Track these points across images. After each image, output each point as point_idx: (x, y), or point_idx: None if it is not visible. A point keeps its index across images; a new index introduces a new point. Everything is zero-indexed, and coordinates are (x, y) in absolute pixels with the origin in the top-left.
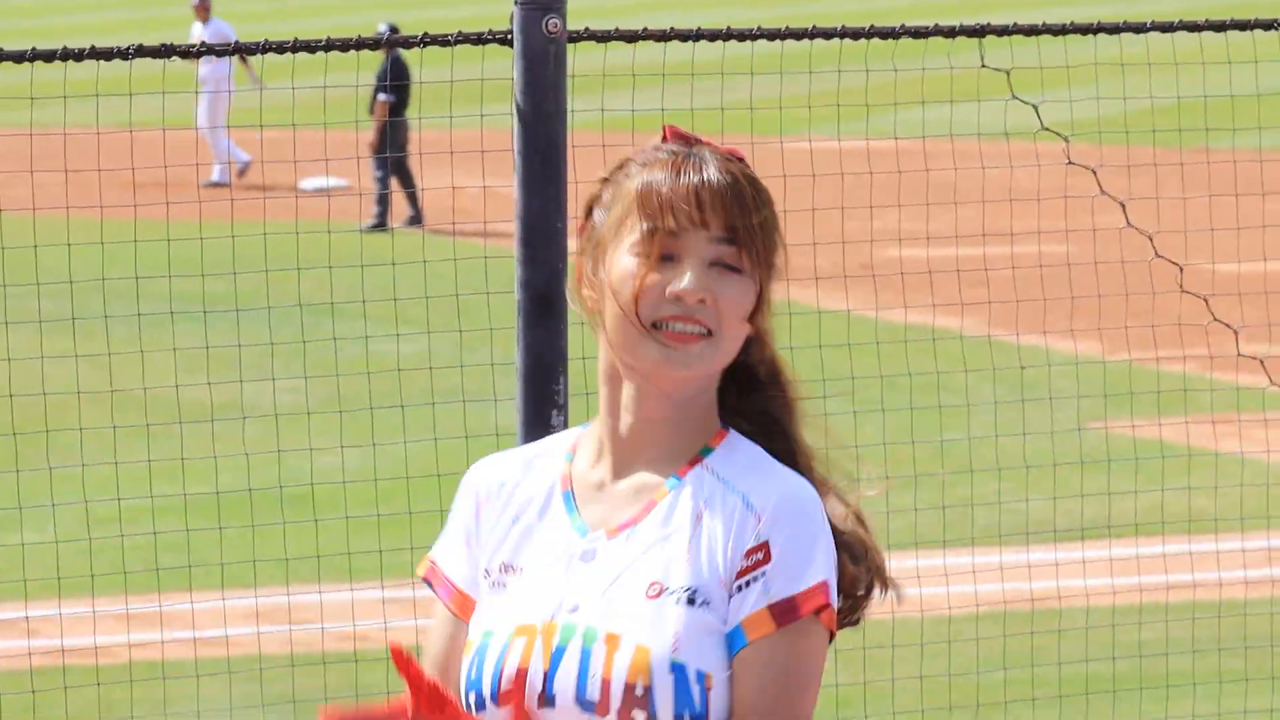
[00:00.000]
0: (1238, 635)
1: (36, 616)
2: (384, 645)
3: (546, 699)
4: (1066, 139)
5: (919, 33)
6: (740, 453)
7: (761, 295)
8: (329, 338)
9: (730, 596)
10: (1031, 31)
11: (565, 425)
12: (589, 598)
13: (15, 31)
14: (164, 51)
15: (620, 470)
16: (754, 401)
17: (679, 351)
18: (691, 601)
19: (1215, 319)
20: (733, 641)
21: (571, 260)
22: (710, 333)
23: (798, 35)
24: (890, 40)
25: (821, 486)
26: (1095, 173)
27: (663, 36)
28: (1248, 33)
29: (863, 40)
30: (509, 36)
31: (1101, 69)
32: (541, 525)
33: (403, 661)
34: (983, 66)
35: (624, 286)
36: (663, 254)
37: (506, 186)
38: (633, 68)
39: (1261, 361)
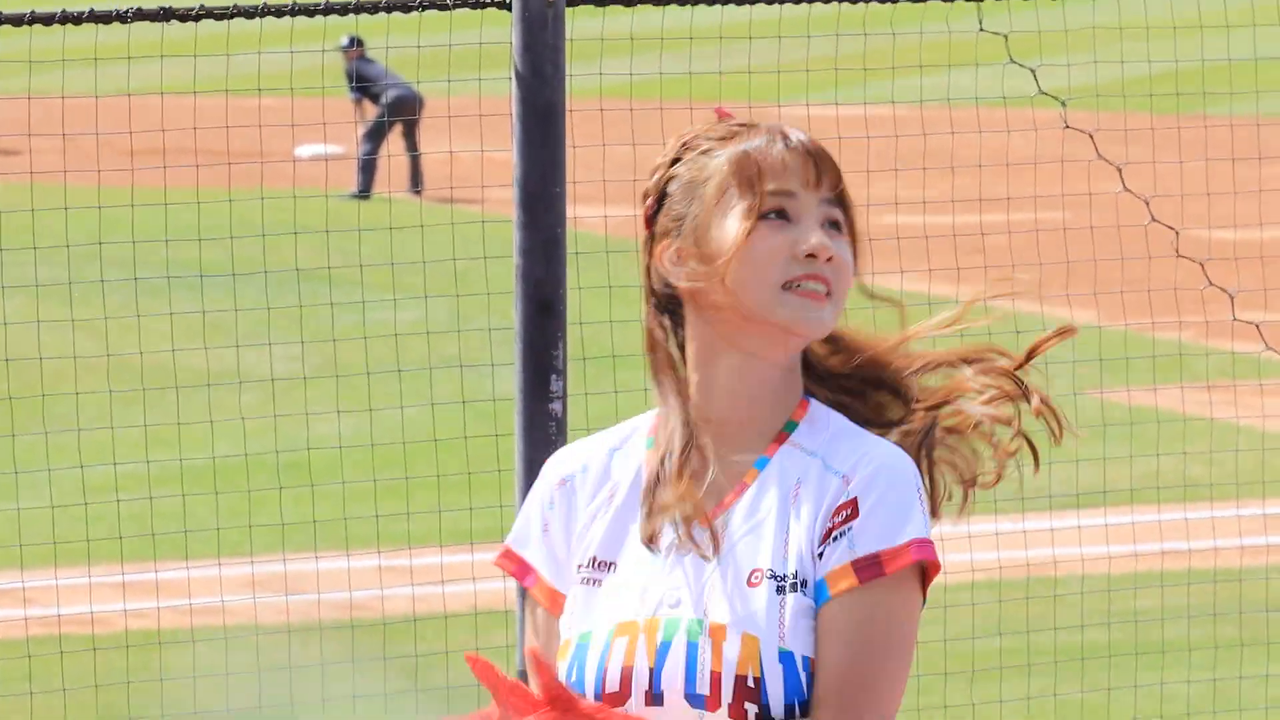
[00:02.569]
0: (1233, 602)
1: (33, 586)
2: (380, 614)
3: (654, 697)
4: (1064, 103)
5: None
6: (824, 423)
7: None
8: (326, 304)
9: (816, 559)
10: None
11: (564, 390)
12: (689, 589)
13: None
14: (162, 15)
15: (712, 452)
16: (832, 369)
17: (814, 309)
18: (794, 587)
19: (1211, 284)
20: (816, 597)
21: (639, 251)
22: (829, 293)
23: None
24: (888, 5)
25: (906, 441)
26: (1092, 137)
27: (661, 0)
28: None
29: (861, 5)
30: (507, 1)
31: (1099, 33)
32: (633, 517)
33: (482, 669)
34: (980, 30)
35: (753, 252)
36: (777, 211)
37: (505, 152)
38: (631, 33)
39: (1258, 327)
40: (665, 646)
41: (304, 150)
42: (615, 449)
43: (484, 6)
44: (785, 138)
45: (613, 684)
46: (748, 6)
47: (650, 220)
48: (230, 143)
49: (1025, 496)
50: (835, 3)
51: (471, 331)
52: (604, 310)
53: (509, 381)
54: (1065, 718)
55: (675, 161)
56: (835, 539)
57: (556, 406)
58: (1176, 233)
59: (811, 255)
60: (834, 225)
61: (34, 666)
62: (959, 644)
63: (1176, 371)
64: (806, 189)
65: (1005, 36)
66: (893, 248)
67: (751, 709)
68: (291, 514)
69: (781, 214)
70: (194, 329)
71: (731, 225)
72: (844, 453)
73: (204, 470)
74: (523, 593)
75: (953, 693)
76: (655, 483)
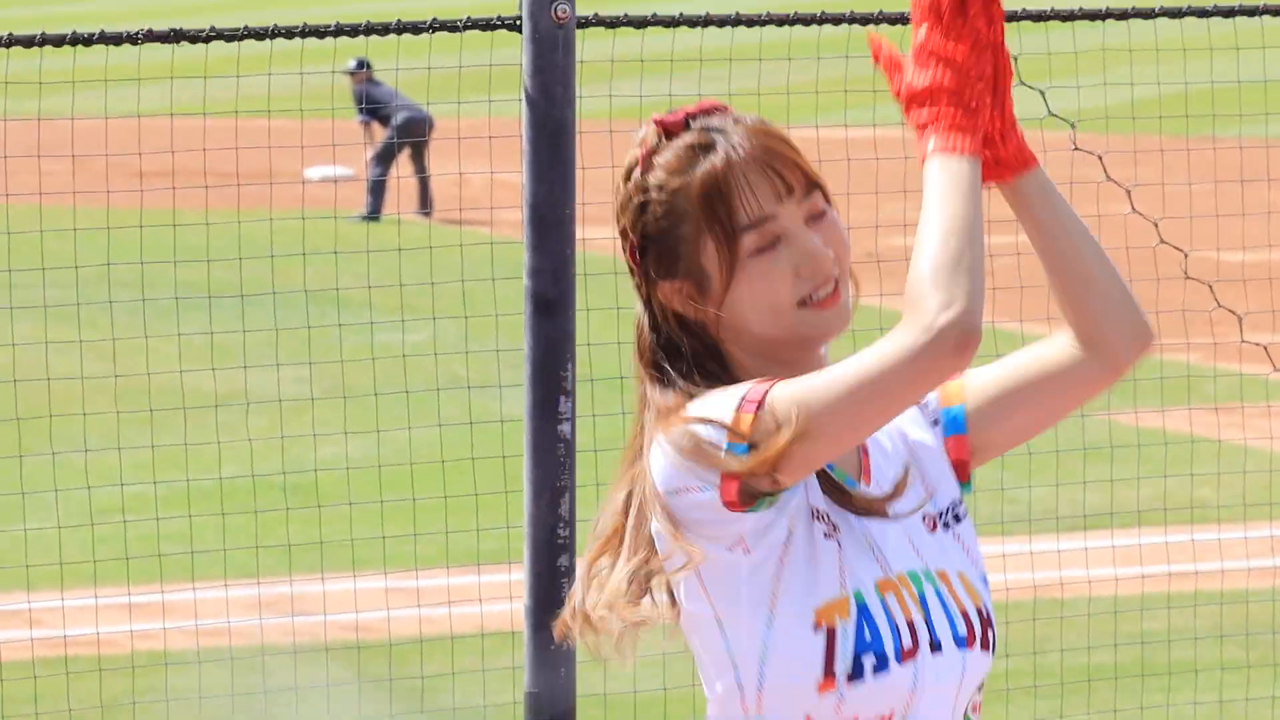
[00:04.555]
0: (1240, 624)
1: (40, 607)
2: (386, 635)
3: (935, 646)
4: (1073, 125)
5: None
6: None
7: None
8: (334, 325)
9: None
10: (1040, 17)
11: (573, 412)
12: (900, 545)
13: (22, 19)
14: (173, 37)
15: None
16: None
17: (830, 311)
18: (956, 517)
19: (1220, 305)
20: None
21: (638, 297)
22: (837, 279)
23: (806, 21)
24: (899, 26)
25: None
26: (1101, 159)
27: (672, 23)
28: (1256, 19)
29: (871, 26)
30: (518, 22)
31: (1109, 55)
32: (817, 480)
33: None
34: None
35: (756, 289)
36: (770, 245)
37: (514, 174)
38: (641, 54)
39: (1265, 349)
40: (923, 599)
41: (313, 172)
42: None
43: (494, 28)
44: (736, 149)
45: (907, 640)
46: (758, 29)
47: (637, 259)
48: (239, 164)
49: (1033, 518)
50: (845, 24)
51: (480, 353)
52: (613, 332)
53: (517, 403)
54: None
55: (643, 205)
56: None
57: (565, 428)
58: (1185, 254)
59: (813, 271)
60: (816, 216)
61: (40, 688)
62: None
63: (1184, 393)
64: (781, 202)
65: (1015, 58)
66: (902, 269)
67: (990, 636)
68: (298, 535)
69: (773, 242)
70: (202, 350)
71: (735, 270)
72: None
73: (211, 492)
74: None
75: None
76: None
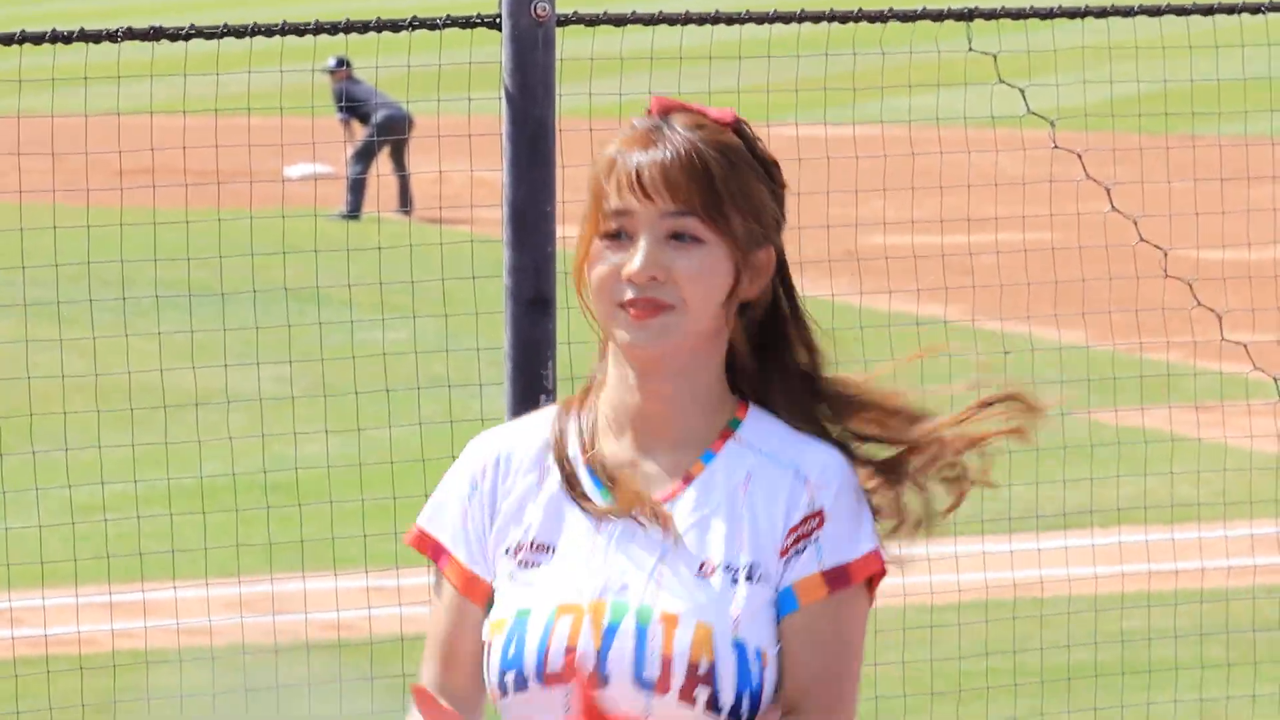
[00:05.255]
0: (1220, 622)
1: (20, 605)
2: (367, 634)
3: (600, 678)
4: (1053, 123)
5: (907, 16)
6: (769, 424)
7: (744, 261)
8: (314, 323)
9: (782, 562)
10: (1019, 15)
11: None
12: (636, 576)
13: (1, 18)
14: (152, 35)
15: (645, 446)
16: (769, 371)
17: (641, 328)
18: (749, 578)
19: (1199, 304)
20: (782, 605)
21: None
22: (667, 307)
23: (785, 19)
24: (878, 24)
25: (846, 452)
26: (1081, 157)
27: (651, 20)
28: (1235, 17)
29: (851, 24)
30: (497, 20)
31: (1088, 54)
32: (569, 502)
33: (426, 702)
34: (970, 50)
35: (593, 273)
36: (617, 232)
37: (494, 172)
38: (620, 52)
39: (1245, 347)
40: (612, 629)
41: (293, 170)
42: (535, 432)
43: (474, 26)
44: (645, 148)
45: (555, 663)
46: (738, 26)
47: None
48: (219, 162)
49: (1013, 517)
50: (825, 22)
51: (460, 352)
52: (593, 331)
53: (498, 401)
54: None
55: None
56: (802, 549)
57: None
58: (1165, 253)
59: (629, 280)
60: (680, 237)
61: (21, 687)
62: (946, 664)
63: (1164, 392)
64: (643, 205)
65: (994, 57)
66: (881, 267)
67: (702, 694)
68: (279, 534)
69: (618, 235)
70: (182, 349)
71: (591, 240)
72: (797, 454)
73: (192, 490)
74: (438, 574)
75: (939, 713)
76: (591, 468)
